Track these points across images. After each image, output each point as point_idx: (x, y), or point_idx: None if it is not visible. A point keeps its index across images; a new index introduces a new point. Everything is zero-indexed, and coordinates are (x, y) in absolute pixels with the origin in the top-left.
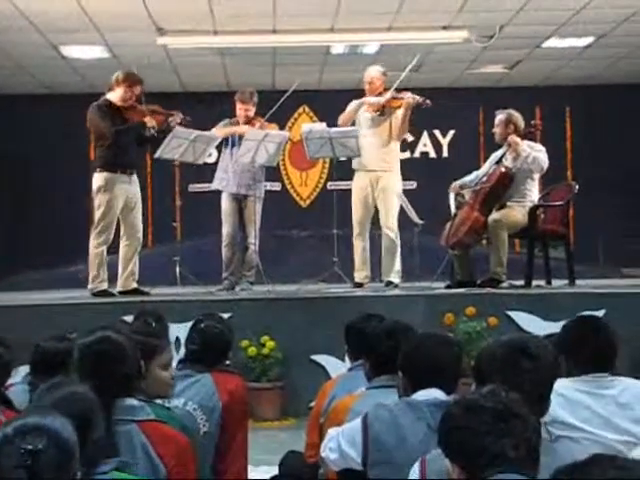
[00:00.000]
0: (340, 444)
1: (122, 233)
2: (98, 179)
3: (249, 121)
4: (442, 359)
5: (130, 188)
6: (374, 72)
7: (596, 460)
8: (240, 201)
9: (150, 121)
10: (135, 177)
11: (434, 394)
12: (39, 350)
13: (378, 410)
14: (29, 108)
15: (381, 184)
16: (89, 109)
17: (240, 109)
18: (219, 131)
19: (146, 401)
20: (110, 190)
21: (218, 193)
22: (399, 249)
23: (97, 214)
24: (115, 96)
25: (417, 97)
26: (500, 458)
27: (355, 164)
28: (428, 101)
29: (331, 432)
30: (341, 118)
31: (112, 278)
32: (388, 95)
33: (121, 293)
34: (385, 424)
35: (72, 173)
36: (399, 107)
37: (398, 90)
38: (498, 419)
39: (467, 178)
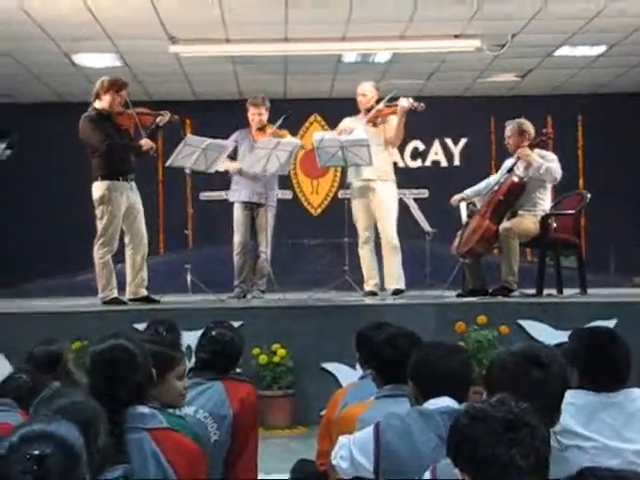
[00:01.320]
0: (352, 452)
1: (127, 241)
2: (98, 188)
3: (263, 127)
4: (451, 367)
5: (131, 195)
6: (366, 86)
7: (590, 472)
8: (252, 209)
9: (147, 143)
10: (134, 184)
11: (446, 402)
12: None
13: (390, 419)
14: (40, 116)
15: (377, 194)
16: (80, 121)
17: (253, 114)
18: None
19: (158, 409)
20: (112, 199)
21: (229, 201)
22: (400, 256)
23: (100, 224)
24: (103, 104)
25: (411, 100)
26: (510, 468)
27: (350, 177)
28: (422, 104)
29: (342, 440)
30: None
31: (122, 287)
32: (380, 105)
33: (131, 300)
34: (397, 433)
35: (85, 180)
36: (392, 114)
37: (391, 100)
38: (507, 428)
39: (469, 190)
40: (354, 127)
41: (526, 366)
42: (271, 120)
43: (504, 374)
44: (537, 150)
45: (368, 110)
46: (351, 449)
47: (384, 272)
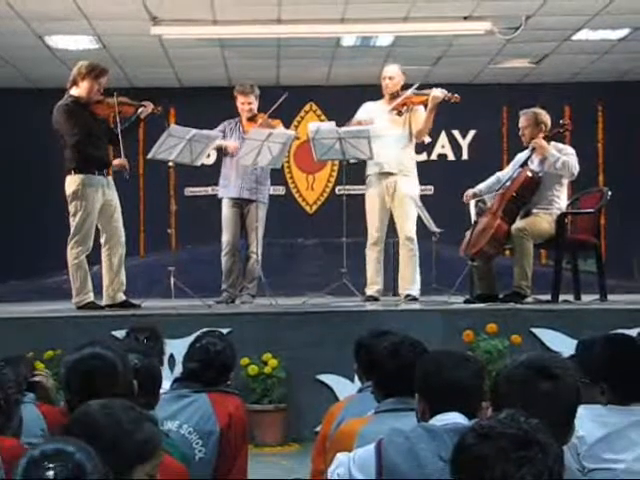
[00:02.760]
0: (351, 471)
1: (103, 241)
2: (72, 183)
3: (254, 116)
4: (462, 379)
5: (108, 191)
6: (393, 68)
7: None
8: (242, 206)
9: (119, 164)
10: (111, 179)
11: (455, 419)
12: None
13: (393, 436)
14: (10, 103)
15: (398, 189)
16: (54, 110)
17: (242, 103)
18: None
19: None
20: (86, 194)
21: (217, 197)
22: (418, 259)
23: (74, 221)
24: (80, 91)
25: (444, 91)
26: None
27: (369, 169)
28: (457, 95)
29: (340, 457)
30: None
31: (98, 290)
32: (408, 92)
33: (108, 307)
34: (401, 452)
35: (57, 175)
36: (422, 103)
37: (421, 87)
38: (518, 446)
39: (481, 185)
40: (373, 117)
41: (533, 378)
42: (262, 109)
43: (510, 388)
44: (553, 143)
45: (393, 96)
46: (350, 467)
47: (399, 275)
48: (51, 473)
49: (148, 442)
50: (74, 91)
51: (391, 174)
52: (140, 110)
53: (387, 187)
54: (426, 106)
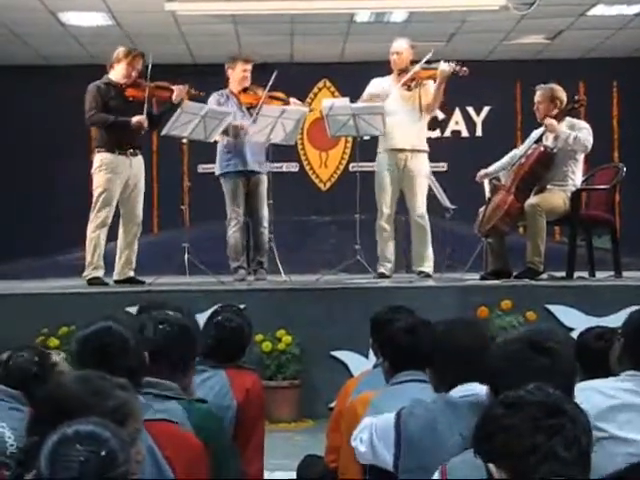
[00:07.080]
0: (372, 437)
1: (121, 218)
2: (96, 159)
3: (248, 88)
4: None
5: (131, 170)
6: (401, 43)
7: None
8: (249, 179)
9: (137, 122)
10: (139, 158)
11: (474, 390)
12: None
13: (414, 407)
14: (24, 81)
15: (409, 165)
16: (88, 87)
17: (244, 71)
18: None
19: (156, 394)
20: (108, 170)
21: (222, 172)
22: (430, 235)
23: (95, 194)
24: (116, 74)
25: (452, 64)
26: (551, 459)
27: (380, 146)
28: (465, 69)
29: (365, 421)
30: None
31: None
32: (417, 67)
33: (117, 282)
34: (421, 424)
35: (72, 153)
36: (430, 78)
37: (429, 62)
38: (546, 414)
39: (494, 166)
40: (386, 93)
41: (529, 353)
42: (277, 85)
43: (506, 364)
44: (568, 118)
45: (402, 71)
46: (372, 433)
47: (412, 252)
48: (81, 458)
49: (121, 407)
50: (111, 74)
51: (402, 150)
52: (175, 94)
53: (397, 164)
54: (435, 80)
